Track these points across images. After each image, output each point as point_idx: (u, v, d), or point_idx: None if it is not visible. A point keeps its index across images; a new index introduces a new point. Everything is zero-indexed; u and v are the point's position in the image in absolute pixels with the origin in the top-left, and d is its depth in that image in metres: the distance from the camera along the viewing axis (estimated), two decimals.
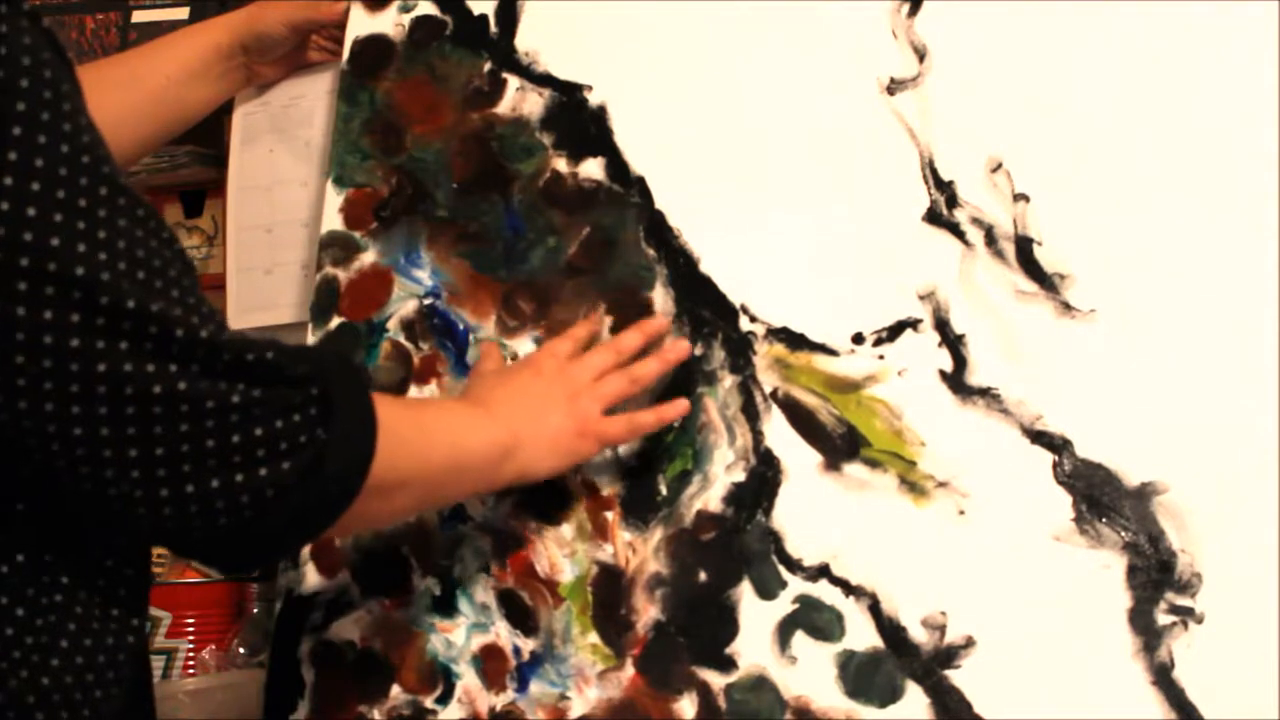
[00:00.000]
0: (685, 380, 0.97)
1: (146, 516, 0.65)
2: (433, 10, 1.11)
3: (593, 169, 1.03)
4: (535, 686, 0.97)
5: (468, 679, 0.99)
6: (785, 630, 0.92)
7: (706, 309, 0.98)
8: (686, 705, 0.93)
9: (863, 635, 0.90)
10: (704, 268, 0.99)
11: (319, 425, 0.68)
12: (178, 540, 0.68)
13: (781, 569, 0.93)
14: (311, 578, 1.05)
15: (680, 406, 0.95)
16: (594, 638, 0.96)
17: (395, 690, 1.01)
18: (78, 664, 0.70)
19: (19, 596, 0.68)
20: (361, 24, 1.13)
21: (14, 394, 0.61)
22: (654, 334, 0.97)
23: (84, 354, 0.61)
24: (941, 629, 0.89)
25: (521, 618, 0.99)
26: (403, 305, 1.07)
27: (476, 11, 1.10)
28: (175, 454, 0.64)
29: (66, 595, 0.70)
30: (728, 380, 0.97)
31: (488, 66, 1.09)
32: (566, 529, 0.98)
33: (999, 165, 0.93)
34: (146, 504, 0.65)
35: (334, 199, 1.11)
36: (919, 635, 0.89)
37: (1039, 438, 0.89)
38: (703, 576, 0.95)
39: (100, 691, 0.71)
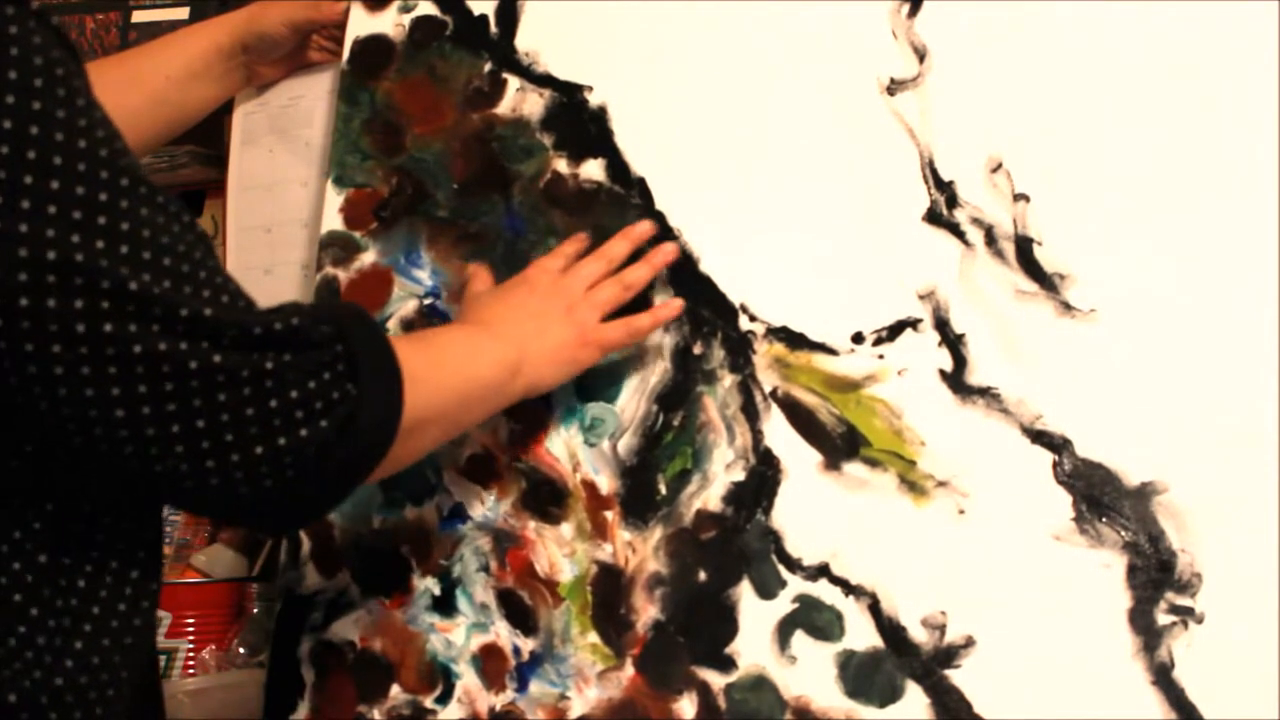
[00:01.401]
0: (685, 379, 0.97)
1: (193, 489, 0.67)
2: (433, 10, 1.11)
3: (593, 170, 1.03)
4: (535, 686, 0.97)
5: (467, 679, 0.99)
6: (785, 630, 0.92)
7: (706, 308, 0.98)
8: (686, 705, 0.93)
9: (863, 635, 0.90)
10: (704, 267, 0.99)
11: (348, 381, 0.70)
12: (225, 508, 0.70)
13: (781, 568, 0.93)
14: (311, 578, 1.05)
15: (674, 305, 0.97)
16: (594, 637, 0.96)
17: (395, 690, 1.01)
18: (92, 664, 0.70)
19: (35, 597, 0.69)
20: (361, 24, 1.13)
21: (53, 382, 0.62)
22: (640, 239, 0.99)
23: (119, 338, 0.62)
24: (941, 629, 0.89)
25: (521, 617, 0.99)
26: (403, 305, 1.07)
27: (477, 12, 1.10)
28: (217, 426, 0.65)
29: (82, 597, 0.70)
30: (727, 379, 0.97)
31: (488, 67, 1.09)
32: (566, 528, 0.99)
33: (999, 165, 0.93)
34: (193, 476, 0.66)
35: (334, 199, 1.11)
36: (919, 635, 0.89)
37: (1039, 437, 0.89)
38: (702, 576, 0.95)
39: (113, 691, 0.72)
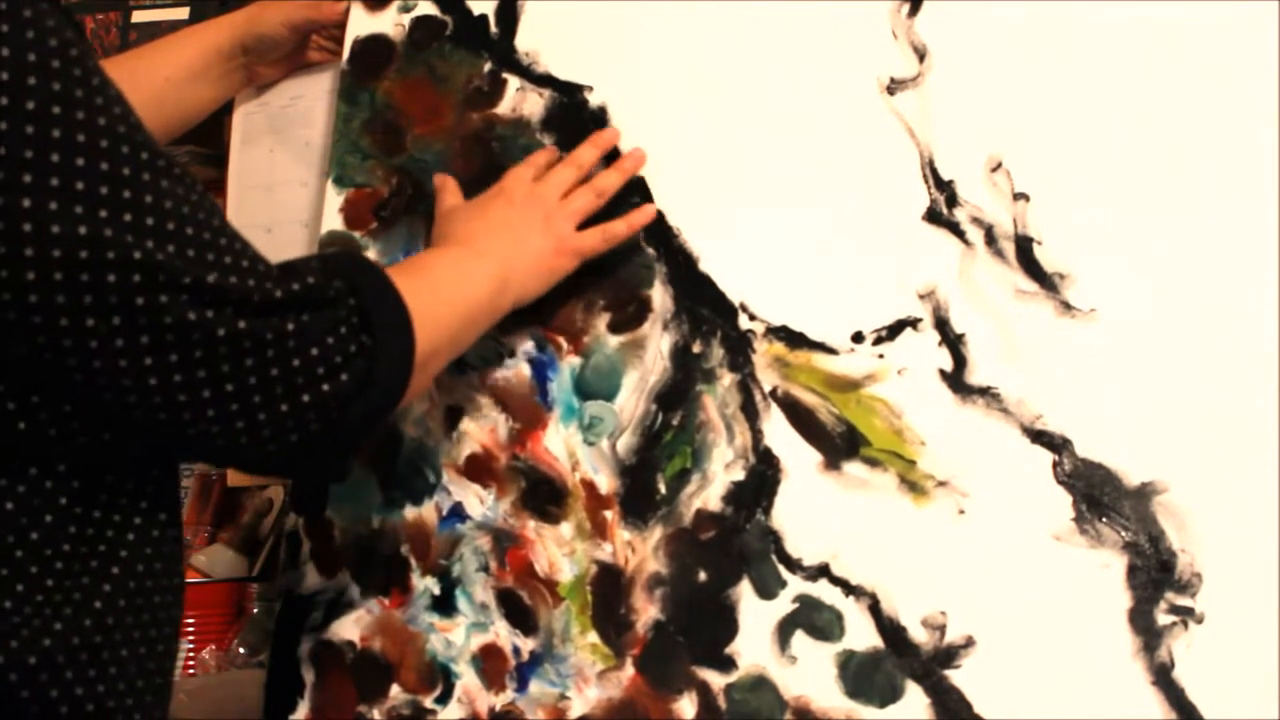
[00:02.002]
0: (684, 378, 0.97)
1: (224, 447, 0.70)
2: (433, 10, 1.11)
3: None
4: (535, 686, 0.97)
5: (467, 679, 0.99)
6: (785, 630, 0.92)
7: (706, 307, 0.98)
8: (686, 705, 0.93)
9: (863, 635, 0.90)
10: (703, 266, 0.99)
11: (362, 332, 0.74)
12: (255, 462, 0.73)
13: (781, 568, 0.93)
14: (311, 578, 1.05)
15: (648, 211, 0.99)
16: (593, 637, 0.96)
17: (395, 690, 1.01)
18: (107, 624, 0.72)
19: (57, 553, 0.70)
20: (361, 24, 1.13)
21: (88, 355, 0.64)
22: (607, 145, 1.01)
23: (150, 311, 0.64)
24: (941, 629, 0.89)
25: (521, 617, 0.99)
26: None
27: (477, 12, 1.10)
28: (244, 389, 0.69)
29: (102, 558, 0.72)
30: (727, 378, 0.97)
31: (488, 67, 1.09)
32: (565, 528, 0.98)
33: (999, 165, 0.93)
34: (224, 436, 0.70)
35: (334, 199, 1.11)
36: (919, 635, 0.89)
37: (1039, 437, 0.89)
38: (702, 576, 0.95)
39: (126, 651, 0.74)
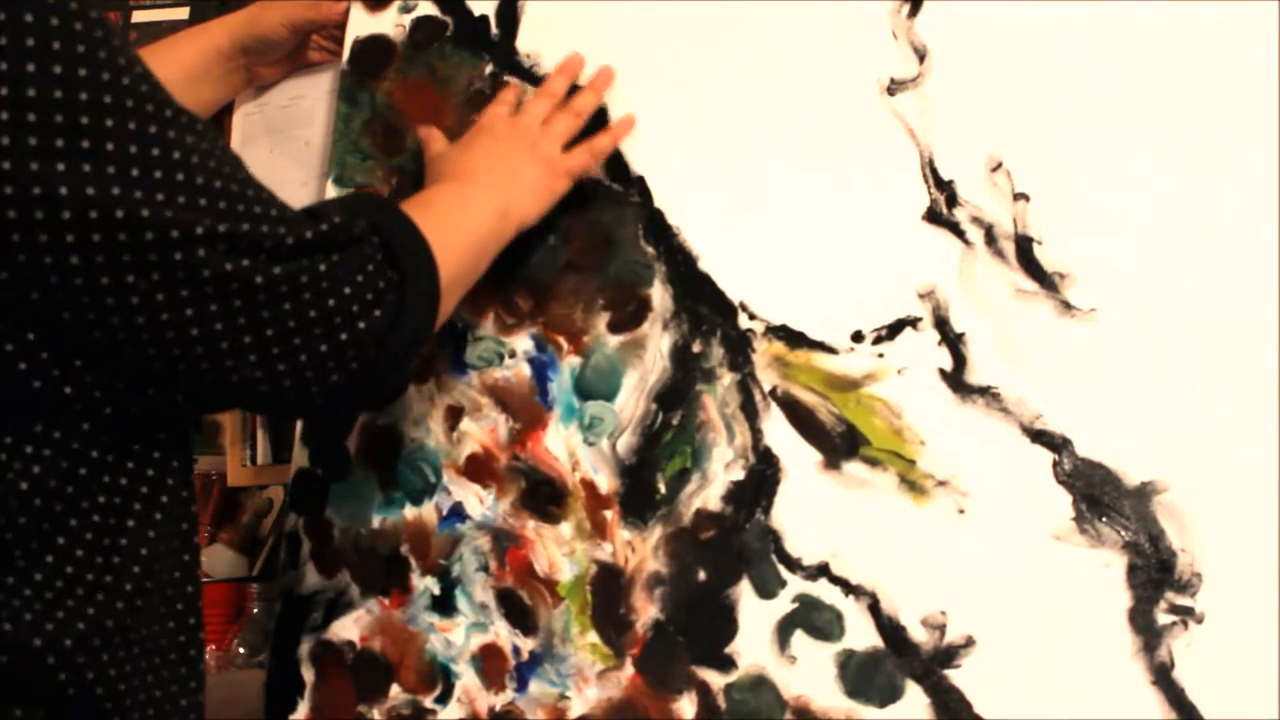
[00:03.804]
0: (684, 378, 0.97)
1: (268, 393, 0.72)
2: (433, 11, 1.11)
3: (593, 168, 1.03)
4: (534, 686, 0.97)
5: (467, 678, 0.99)
6: (785, 629, 0.92)
7: (705, 306, 0.98)
8: (686, 705, 0.93)
9: (862, 635, 0.90)
10: (703, 265, 0.99)
11: (389, 268, 0.76)
12: (298, 405, 0.75)
13: (781, 568, 0.93)
14: (311, 578, 1.05)
15: (628, 121, 1.02)
16: (593, 637, 0.96)
17: (395, 690, 1.01)
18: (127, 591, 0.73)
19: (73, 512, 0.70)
20: (362, 24, 1.13)
21: (130, 312, 0.66)
22: (576, 69, 1.05)
23: (188, 265, 0.66)
24: (941, 628, 0.89)
25: (520, 617, 0.99)
26: None
27: (477, 13, 1.10)
28: (284, 332, 0.71)
29: (113, 531, 0.72)
30: (726, 378, 0.97)
31: (489, 68, 1.09)
32: (565, 528, 0.98)
33: (999, 165, 0.93)
34: (268, 381, 0.72)
35: None
36: (919, 635, 0.89)
37: (1039, 437, 0.89)
38: (702, 575, 0.95)
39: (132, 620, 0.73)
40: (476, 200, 0.93)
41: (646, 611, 0.95)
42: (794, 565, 0.93)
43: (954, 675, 0.88)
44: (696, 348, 0.98)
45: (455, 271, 0.85)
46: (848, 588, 0.91)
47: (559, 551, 0.98)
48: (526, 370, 1.02)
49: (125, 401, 0.70)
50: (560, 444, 1.00)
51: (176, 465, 0.76)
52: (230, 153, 0.70)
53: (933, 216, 0.94)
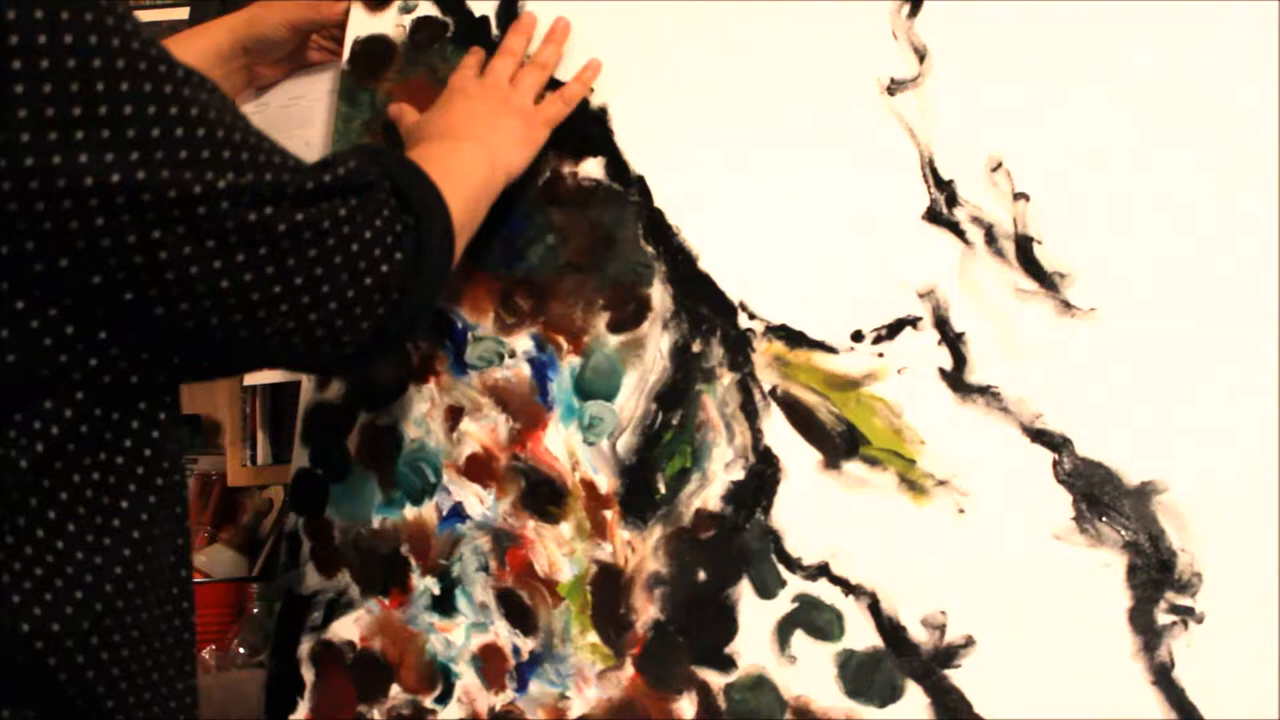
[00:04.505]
0: (684, 378, 0.97)
1: (301, 345, 0.73)
2: (434, 11, 1.11)
3: (592, 168, 1.03)
4: (535, 686, 0.97)
5: (467, 679, 0.99)
6: (785, 629, 0.92)
7: (705, 306, 0.98)
8: (686, 705, 0.93)
9: (862, 635, 0.90)
10: (703, 265, 0.99)
11: (404, 211, 0.78)
12: (330, 356, 0.76)
13: (781, 568, 0.93)
14: (311, 578, 1.05)
15: (595, 65, 1.05)
16: (593, 637, 0.96)
17: (395, 690, 1.01)
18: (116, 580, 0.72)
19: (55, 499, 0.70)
20: (362, 24, 1.13)
21: (159, 268, 0.66)
22: (531, 28, 1.07)
23: (212, 217, 0.67)
24: (941, 628, 0.89)
25: (520, 617, 0.99)
26: None
27: (477, 13, 1.10)
28: (312, 279, 0.71)
29: (98, 530, 0.71)
30: (726, 378, 0.97)
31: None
32: (565, 528, 0.98)
33: (999, 164, 0.93)
34: (300, 333, 0.73)
35: None
36: (919, 635, 0.89)
37: (1039, 436, 0.89)
38: (702, 575, 0.95)
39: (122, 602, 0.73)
40: (468, 154, 0.94)
41: (646, 611, 0.95)
42: (794, 565, 0.93)
43: (954, 675, 0.88)
44: (696, 347, 0.98)
45: (462, 219, 0.86)
46: (848, 588, 0.91)
47: (559, 551, 0.98)
48: (526, 370, 1.02)
49: (127, 372, 0.70)
50: (560, 444, 1.00)
51: (170, 448, 0.75)
52: (238, 109, 0.71)
53: (933, 216, 0.94)
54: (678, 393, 0.97)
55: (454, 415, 1.03)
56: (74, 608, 0.69)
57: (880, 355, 0.93)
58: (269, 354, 0.75)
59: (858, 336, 0.94)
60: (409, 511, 1.03)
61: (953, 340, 0.92)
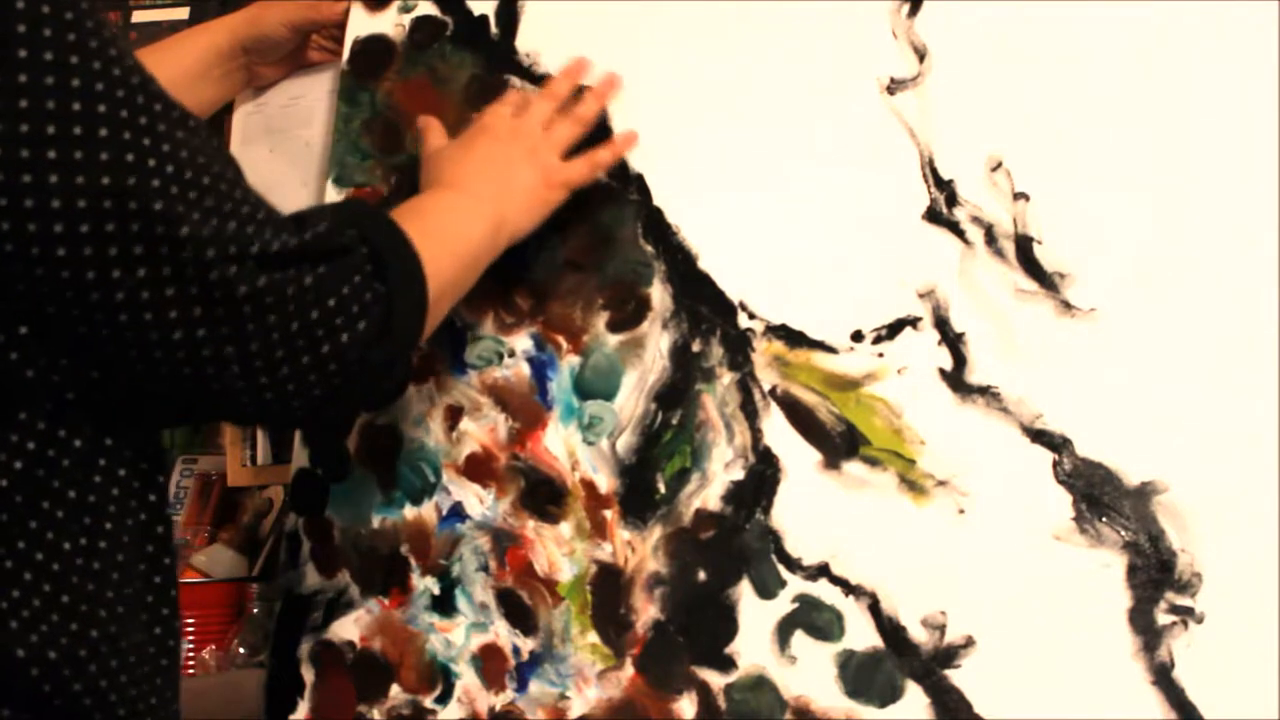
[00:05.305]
0: (683, 377, 0.97)
1: (249, 404, 0.71)
2: (433, 11, 1.11)
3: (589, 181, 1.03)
4: (535, 686, 0.97)
5: (467, 678, 0.99)
6: (785, 630, 0.92)
7: (705, 305, 0.98)
8: (686, 705, 0.93)
9: (862, 635, 0.90)
10: (702, 264, 0.99)
11: (377, 280, 0.75)
12: (279, 416, 0.75)
13: (781, 568, 0.93)
14: (311, 578, 1.05)
15: (630, 137, 1.01)
16: (593, 637, 0.96)
17: (395, 690, 1.01)
18: (104, 611, 0.72)
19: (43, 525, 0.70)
20: (362, 24, 1.13)
21: (114, 309, 0.65)
22: (580, 74, 1.03)
23: (174, 264, 0.65)
24: (941, 629, 0.89)
25: (520, 617, 0.99)
26: None
27: (477, 13, 1.10)
28: (267, 343, 0.69)
29: (85, 552, 0.71)
30: (726, 377, 0.97)
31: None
32: (565, 528, 0.98)
33: (999, 164, 0.93)
34: (248, 392, 0.70)
35: (334, 199, 1.11)
36: (919, 635, 0.89)
37: (1039, 437, 0.89)
38: (702, 575, 0.95)
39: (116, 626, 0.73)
40: (471, 212, 0.91)
41: (646, 611, 0.95)
42: (794, 565, 0.93)
43: (954, 675, 0.88)
44: (696, 347, 0.98)
45: (446, 282, 0.84)
46: (848, 588, 0.91)
47: (559, 551, 0.98)
48: (526, 370, 1.02)
49: (98, 402, 0.69)
50: (560, 444, 1.00)
51: (146, 468, 0.75)
52: (222, 151, 0.70)
53: (933, 216, 0.94)
54: (677, 392, 0.97)
55: (453, 415, 1.03)
56: (68, 638, 0.69)
57: (880, 355, 0.93)
58: (214, 406, 0.72)
59: (858, 336, 0.94)
60: (409, 511, 1.03)
61: (953, 340, 0.92)
